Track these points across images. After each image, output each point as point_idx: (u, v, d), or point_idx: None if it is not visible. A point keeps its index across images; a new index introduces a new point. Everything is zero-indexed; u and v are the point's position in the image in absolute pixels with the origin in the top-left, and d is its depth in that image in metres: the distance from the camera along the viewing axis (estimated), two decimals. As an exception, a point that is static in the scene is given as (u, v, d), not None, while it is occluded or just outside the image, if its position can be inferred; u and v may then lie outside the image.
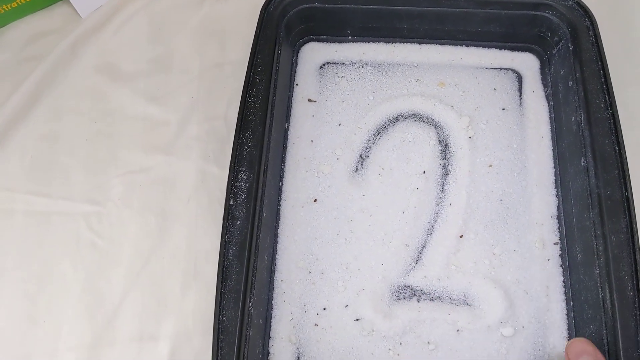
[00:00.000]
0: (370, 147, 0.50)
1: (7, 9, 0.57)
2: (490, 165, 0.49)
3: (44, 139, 0.53)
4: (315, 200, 0.48)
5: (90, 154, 0.53)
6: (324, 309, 0.45)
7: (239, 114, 0.45)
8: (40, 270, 0.48)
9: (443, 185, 0.49)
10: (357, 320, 0.44)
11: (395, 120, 0.51)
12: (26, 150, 0.53)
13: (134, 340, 0.46)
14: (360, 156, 0.50)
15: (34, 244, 0.49)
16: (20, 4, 0.57)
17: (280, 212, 0.48)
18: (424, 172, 0.49)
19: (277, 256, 0.47)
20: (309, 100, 0.52)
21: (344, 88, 0.52)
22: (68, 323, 0.47)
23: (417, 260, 0.46)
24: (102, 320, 0.47)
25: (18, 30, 0.58)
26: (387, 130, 0.51)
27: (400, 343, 0.44)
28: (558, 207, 0.47)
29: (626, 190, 0.41)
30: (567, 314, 0.44)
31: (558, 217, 0.47)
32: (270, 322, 0.45)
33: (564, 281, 0.45)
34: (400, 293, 0.45)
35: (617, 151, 0.43)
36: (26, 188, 0.51)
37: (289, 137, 0.51)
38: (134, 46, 0.57)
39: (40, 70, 0.55)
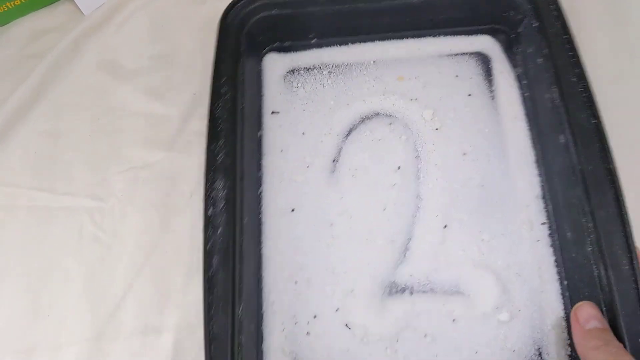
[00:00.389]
0: (340, 150, 0.50)
1: (10, 7, 0.58)
2: (464, 154, 0.48)
3: (47, 135, 0.54)
4: (293, 210, 0.47)
5: (92, 150, 0.53)
6: (315, 316, 0.44)
7: (208, 124, 0.45)
8: (44, 265, 0.49)
9: (419, 178, 0.48)
10: (347, 325, 0.43)
11: (360, 121, 0.51)
12: (29, 146, 0.54)
13: (137, 334, 0.46)
14: (333, 160, 0.49)
15: (37, 239, 0.50)
16: (23, 1, 0.58)
17: (262, 220, 0.47)
18: (399, 168, 0.48)
19: (262, 267, 0.46)
20: (272, 112, 0.51)
21: (303, 96, 0.52)
22: (71, 317, 0.47)
23: (404, 255, 0.45)
24: (106, 313, 0.47)
25: (21, 27, 0.60)
26: (355, 132, 0.50)
27: (397, 340, 0.43)
28: (542, 186, 0.47)
29: (609, 163, 0.41)
30: (562, 294, 0.43)
31: (543, 197, 0.46)
32: (262, 332, 0.43)
33: (555, 261, 0.44)
34: (392, 289, 0.44)
35: (595, 124, 0.42)
36: (29, 184, 0.52)
37: (263, 146, 0.50)
38: (136, 43, 0.58)
39: (43, 67, 0.56)
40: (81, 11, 0.58)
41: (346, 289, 0.44)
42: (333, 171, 0.49)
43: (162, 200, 0.50)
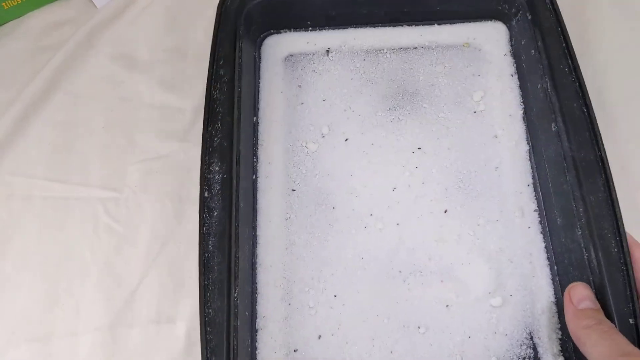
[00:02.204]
0: (355, 126, 0.50)
1: None
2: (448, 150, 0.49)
3: (61, 126, 0.54)
4: (294, 190, 0.47)
5: (107, 141, 0.53)
6: (310, 307, 0.44)
7: (205, 107, 0.45)
8: (59, 254, 0.49)
9: (432, 160, 0.48)
10: (343, 305, 0.44)
11: (380, 100, 0.51)
12: (44, 137, 0.54)
13: (152, 322, 0.47)
14: (346, 139, 0.49)
15: (52, 229, 0.50)
16: None
17: (257, 206, 0.47)
18: (417, 150, 0.48)
19: (257, 253, 0.46)
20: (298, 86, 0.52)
21: (314, 79, 0.52)
22: (87, 305, 0.48)
23: (403, 238, 0.46)
24: (120, 302, 0.47)
25: (35, 20, 0.59)
26: (370, 110, 0.50)
27: (391, 324, 0.43)
28: (533, 175, 0.48)
29: (599, 150, 0.42)
30: (552, 279, 0.44)
31: (534, 184, 0.47)
32: (256, 316, 0.44)
33: (545, 247, 0.45)
34: (388, 272, 0.45)
35: (586, 113, 0.43)
36: (44, 174, 0.52)
37: (259, 130, 0.50)
38: (150, 35, 0.58)
39: (57, 59, 0.56)
40: (94, 4, 0.58)
41: (342, 274, 0.45)
42: (345, 147, 0.49)
43: (175, 190, 0.51)
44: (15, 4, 0.57)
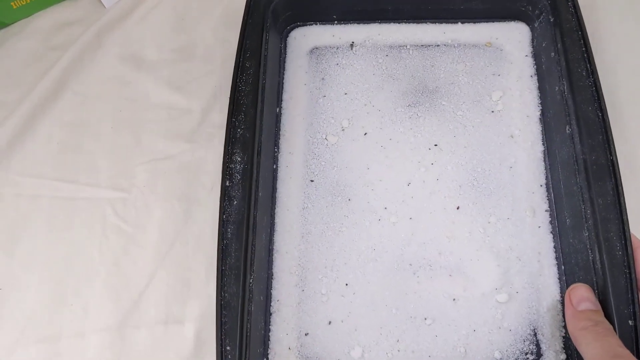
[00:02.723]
0: (370, 122, 0.51)
1: None
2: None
3: (69, 126, 0.54)
4: (312, 181, 0.49)
5: (115, 142, 0.54)
6: (323, 293, 0.46)
7: (230, 97, 0.46)
8: (68, 254, 0.50)
9: (449, 158, 0.49)
10: (354, 294, 0.45)
11: (400, 96, 0.52)
12: (52, 137, 0.54)
13: (160, 323, 0.47)
14: (365, 133, 0.51)
15: (61, 229, 0.50)
16: None
17: (276, 195, 0.49)
18: (436, 145, 0.50)
19: (273, 240, 0.47)
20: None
21: (337, 72, 0.53)
22: (95, 306, 0.48)
23: (415, 234, 0.47)
24: (129, 302, 0.48)
25: (43, 19, 0.59)
26: (391, 105, 0.51)
27: (399, 316, 0.45)
28: (546, 175, 0.48)
29: (611, 155, 0.43)
30: (559, 278, 0.45)
31: (547, 185, 0.48)
32: (270, 302, 0.45)
33: (554, 246, 0.46)
34: (399, 266, 0.46)
35: (601, 117, 0.44)
36: (52, 174, 0.52)
37: (282, 121, 0.51)
38: (158, 35, 0.58)
39: (66, 59, 0.56)
40: (102, 4, 0.58)
41: (354, 264, 0.46)
42: (364, 141, 0.50)
43: (183, 191, 0.51)
44: (24, 3, 0.58)
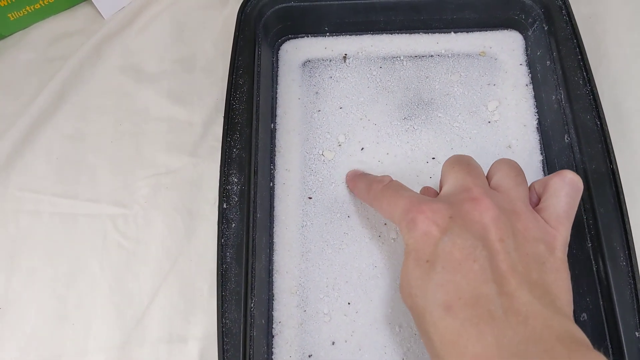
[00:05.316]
0: (367, 136, 0.51)
1: (30, 10, 0.57)
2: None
3: (69, 140, 0.54)
4: (310, 198, 0.48)
5: (115, 155, 0.53)
6: (325, 313, 0.45)
7: (224, 117, 0.45)
8: (69, 271, 0.49)
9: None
10: (357, 312, 0.45)
11: (396, 108, 0.51)
12: (52, 150, 0.53)
13: (163, 341, 0.46)
14: (362, 149, 0.50)
15: (61, 245, 0.50)
16: (43, 5, 0.57)
17: (274, 213, 0.48)
18: (433, 159, 0.49)
19: (273, 260, 0.47)
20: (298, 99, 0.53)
21: (331, 85, 0.53)
22: (97, 324, 0.47)
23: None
24: (131, 320, 0.47)
25: (42, 31, 0.59)
26: (387, 118, 0.51)
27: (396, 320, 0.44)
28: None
29: (611, 163, 0.42)
30: (563, 289, 0.45)
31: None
32: (272, 324, 0.45)
33: (557, 257, 0.46)
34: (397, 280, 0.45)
35: (599, 125, 0.44)
36: (52, 189, 0.52)
37: (276, 137, 0.51)
38: (158, 47, 0.57)
39: (65, 70, 0.55)
40: (101, 15, 0.58)
41: (356, 282, 0.46)
42: (361, 156, 0.50)
43: (186, 206, 0.51)
44: (21, 15, 0.57)
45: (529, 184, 0.40)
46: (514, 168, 0.40)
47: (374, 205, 0.43)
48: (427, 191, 0.42)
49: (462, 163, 0.40)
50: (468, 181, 0.38)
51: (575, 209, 0.38)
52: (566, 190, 0.38)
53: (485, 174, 0.40)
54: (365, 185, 0.44)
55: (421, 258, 0.35)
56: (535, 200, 0.39)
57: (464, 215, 0.35)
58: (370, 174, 0.47)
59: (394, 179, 0.43)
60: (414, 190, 0.41)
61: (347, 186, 0.48)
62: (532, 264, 0.34)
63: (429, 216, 0.36)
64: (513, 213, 0.36)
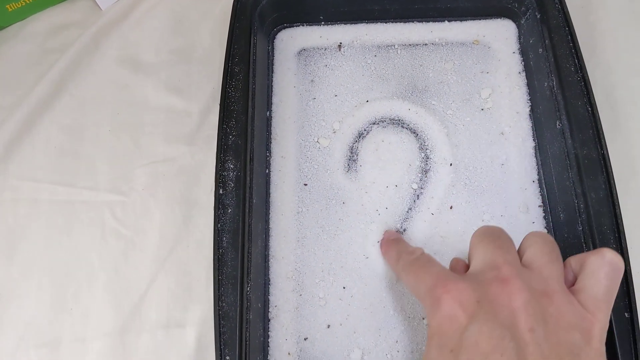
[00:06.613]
0: (365, 128, 0.51)
1: (28, 2, 0.57)
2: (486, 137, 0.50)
3: (67, 130, 0.54)
4: (306, 184, 0.49)
5: (113, 145, 0.53)
6: (320, 297, 0.46)
7: (220, 104, 0.46)
8: (67, 259, 0.49)
9: (443, 158, 0.50)
10: (352, 296, 0.45)
11: (386, 99, 0.52)
12: (50, 140, 0.54)
13: (161, 328, 0.47)
14: (356, 141, 0.51)
15: (59, 233, 0.50)
16: None
17: (270, 199, 0.49)
18: (426, 146, 0.50)
19: (269, 246, 0.47)
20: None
21: (326, 74, 0.53)
22: (95, 310, 0.48)
23: (407, 234, 0.47)
24: (129, 307, 0.48)
25: (39, 22, 0.59)
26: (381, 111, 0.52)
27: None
28: (538, 171, 0.49)
29: (602, 149, 0.43)
30: (554, 273, 0.46)
31: (539, 181, 0.48)
32: (268, 308, 0.45)
33: (549, 242, 0.46)
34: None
35: (590, 111, 0.44)
36: (51, 178, 0.52)
37: (272, 124, 0.51)
38: (155, 38, 0.58)
39: (63, 62, 0.56)
40: (99, 6, 0.58)
41: (351, 267, 0.46)
42: (357, 142, 0.50)
43: (183, 194, 0.51)
44: (20, 6, 0.57)
45: (560, 252, 0.37)
46: (549, 243, 0.37)
47: (401, 277, 0.41)
48: (456, 264, 0.40)
49: (491, 236, 0.37)
50: (497, 257, 0.35)
51: (616, 292, 0.35)
52: (605, 270, 0.34)
53: (517, 248, 0.38)
54: (395, 254, 0.42)
55: (445, 345, 0.33)
56: (572, 278, 0.36)
57: (492, 298, 0.33)
58: (403, 242, 0.45)
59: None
60: (443, 265, 0.38)
61: (380, 248, 0.47)
62: (566, 355, 0.31)
63: (455, 296, 0.33)
64: (545, 295, 0.33)
